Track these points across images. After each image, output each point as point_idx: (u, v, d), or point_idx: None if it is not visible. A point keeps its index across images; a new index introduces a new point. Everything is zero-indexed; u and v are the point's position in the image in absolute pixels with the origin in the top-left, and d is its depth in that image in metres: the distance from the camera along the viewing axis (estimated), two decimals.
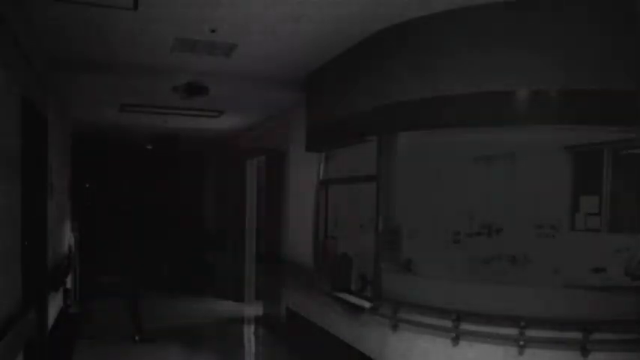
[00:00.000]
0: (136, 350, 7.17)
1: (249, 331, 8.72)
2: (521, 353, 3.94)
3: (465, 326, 4.13)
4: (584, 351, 3.82)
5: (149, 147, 12.84)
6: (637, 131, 4.35)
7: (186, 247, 13.59)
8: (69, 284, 7.82)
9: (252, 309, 9.59)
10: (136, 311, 7.92)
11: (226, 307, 9.99)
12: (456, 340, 4.18)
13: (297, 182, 7.39)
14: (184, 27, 4.79)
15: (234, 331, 8.73)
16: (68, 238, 8.39)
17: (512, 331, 3.95)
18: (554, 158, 5.82)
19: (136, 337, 7.45)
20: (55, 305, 6.52)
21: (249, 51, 5.41)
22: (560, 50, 3.96)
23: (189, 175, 14.35)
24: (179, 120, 8.91)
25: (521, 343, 3.92)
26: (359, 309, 5.19)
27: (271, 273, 8.43)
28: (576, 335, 3.84)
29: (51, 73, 5.74)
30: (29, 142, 4.62)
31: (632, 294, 4.06)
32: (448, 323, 4.20)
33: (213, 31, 4.83)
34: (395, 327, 4.61)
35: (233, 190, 10.87)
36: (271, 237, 8.48)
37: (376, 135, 4.90)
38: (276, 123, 8.29)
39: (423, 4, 4.20)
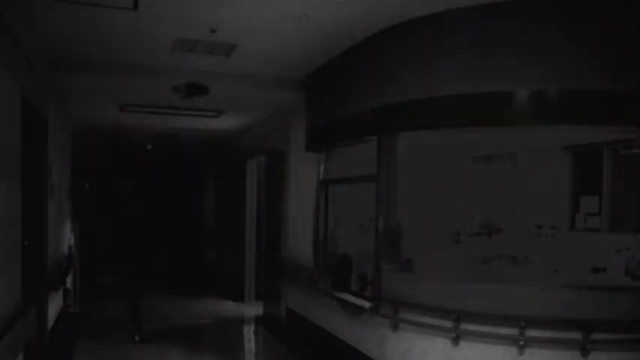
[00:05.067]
0: (136, 350, 7.17)
1: (249, 331, 8.72)
2: (521, 353, 3.94)
3: (465, 326, 4.14)
4: (584, 351, 3.82)
5: (149, 147, 12.84)
6: (637, 131, 4.35)
7: (186, 246, 13.60)
8: (69, 284, 7.82)
9: (252, 309, 9.58)
10: (136, 311, 7.92)
11: (226, 307, 9.99)
12: (456, 340, 4.18)
13: (297, 182, 7.39)
14: (184, 27, 4.79)
15: (234, 331, 8.73)
16: (68, 238, 8.39)
17: (512, 331, 3.95)
18: (554, 158, 5.82)
19: (136, 337, 7.45)
20: (55, 305, 6.52)
21: (249, 51, 5.41)
22: (560, 50, 3.96)
23: (189, 175, 14.36)
24: (179, 120, 8.91)
25: (521, 343, 3.93)
26: (359, 309, 5.19)
27: (271, 273, 8.43)
28: (576, 335, 3.84)
29: (51, 73, 5.74)
30: (29, 142, 4.61)
31: (632, 294, 4.06)
32: (448, 323, 4.20)
33: (213, 31, 4.83)
34: (395, 327, 4.61)
35: (233, 190, 10.87)
36: (271, 237, 8.48)
37: (376, 135, 4.90)
38: (276, 123, 8.29)
39: (423, 4, 4.20)
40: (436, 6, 4.22)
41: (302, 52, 5.48)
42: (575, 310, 3.90)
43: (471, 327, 4.12)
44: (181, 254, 13.40)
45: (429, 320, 4.32)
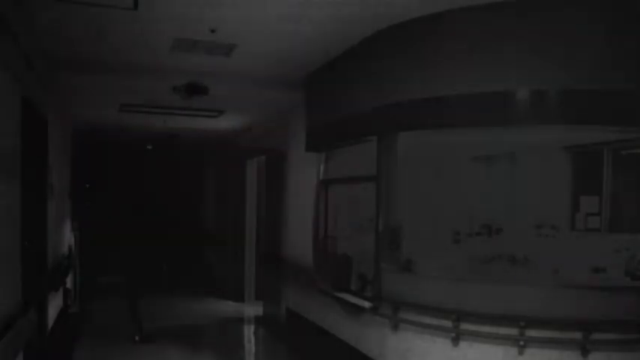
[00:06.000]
0: (136, 350, 7.17)
1: (249, 331, 8.72)
2: (521, 353, 3.94)
3: (465, 326, 4.14)
4: (584, 351, 3.82)
5: (149, 147, 12.84)
6: (637, 131, 4.35)
7: (186, 247, 13.60)
8: (69, 284, 7.82)
9: (252, 309, 9.59)
10: (136, 311, 7.92)
11: (226, 307, 9.99)
12: (456, 340, 4.18)
13: (297, 182, 7.39)
14: (184, 27, 4.79)
15: (234, 331, 8.73)
16: (68, 238, 8.39)
17: (512, 331, 3.95)
18: (554, 158, 5.81)
19: (136, 337, 7.45)
20: (55, 305, 6.52)
21: (249, 51, 5.41)
22: (560, 50, 3.96)
23: (189, 175, 14.36)
24: (179, 120, 8.91)
25: (521, 343, 3.93)
26: (359, 309, 5.19)
27: (271, 273, 8.43)
28: (576, 335, 3.84)
29: (51, 73, 5.74)
30: (29, 142, 4.61)
31: (632, 294, 4.06)
32: (448, 323, 4.20)
33: (213, 31, 4.83)
34: (395, 327, 4.61)
35: (233, 190, 10.87)
36: (271, 237, 8.48)
37: (376, 135, 4.90)
38: (276, 123, 8.30)
39: (423, 5, 4.20)
40: (436, 6, 4.21)
41: (302, 52, 5.48)
42: (575, 310, 3.90)
43: (471, 327, 4.12)
44: (181, 254, 13.40)
45: (429, 320, 4.32)
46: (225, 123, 9.33)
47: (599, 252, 4.93)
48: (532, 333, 3.92)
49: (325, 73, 5.94)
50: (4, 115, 3.70)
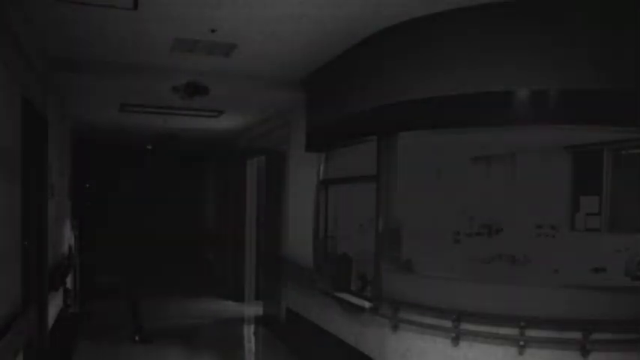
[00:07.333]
0: (136, 350, 7.17)
1: (249, 331, 8.73)
2: (521, 353, 3.94)
3: (465, 326, 4.14)
4: (584, 351, 3.82)
5: (149, 147, 12.85)
6: (637, 131, 4.35)
7: (186, 246, 13.61)
8: (69, 284, 7.82)
9: (252, 309, 9.59)
10: (135, 311, 7.92)
11: (226, 307, 9.99)
12: (456, 340, 4.18)
13: (297, 182, 7.39)
14: (184, 27, 4.79)
15: (234, 331, 8.73)
16: (68, 238, 8.39)
17: (512, 331, 3.95)
18: (554, 158, 5.82)
19: (136, 337, 7.45)
20: (55, 305, 6.52)
21: (249, 51, 5.41)
22: (560, 50, 3.96)
23: (189, 175, 14.37)
24: (179, 120, 8.91)
25: (521, 343, 3.92)
26: (359, 309, 5.19)
27: (271, 273, 8.43)
28: (576, 335, 3.84)
29: (51, 73, 5.74)
30: (29, 142, 4.62)
31: (632, 294, 4.06)
32: (448, 323, 4.20)
33: (213, 31, 4.83)
34: (395, 327, 4.61)
35: (233, 190, 10.87)
36: (271, 237, 8.48)
37: (376, 135, 4.90)
38: (276, 123, 8.30)
39: (424, 4, 4.20)
40: (436, 6, 4.21)
41: (302, 52, 5.48)
42: (575, 310, 3.90)
43: (471, 327, 4.12)
44: (181, 254, 13.40)
45: (429, 320, 4.32)
46: (225, 123, 9.33)
47: (599, 252, 4.94)
48: (532, 333, 3.92)
49: (325, 73, 5.94)
50: (4, 115, 3.70)
